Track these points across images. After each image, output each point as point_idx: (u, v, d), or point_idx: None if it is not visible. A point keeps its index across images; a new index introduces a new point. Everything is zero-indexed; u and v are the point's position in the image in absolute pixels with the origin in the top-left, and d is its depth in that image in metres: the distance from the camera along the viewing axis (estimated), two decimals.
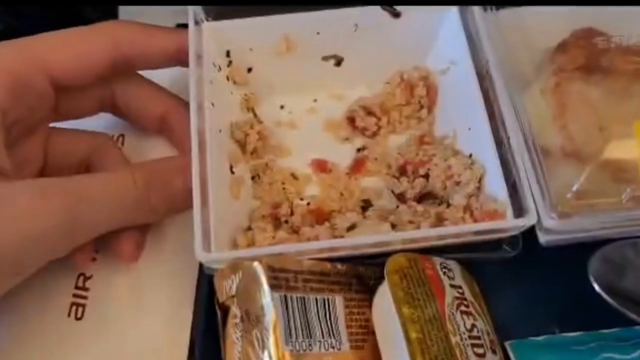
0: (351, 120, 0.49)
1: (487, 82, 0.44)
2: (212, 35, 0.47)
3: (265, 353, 0.36)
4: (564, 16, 0.45)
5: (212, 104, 0.45)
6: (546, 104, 0.42)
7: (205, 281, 0.43)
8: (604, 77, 0.42)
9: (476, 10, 0.45)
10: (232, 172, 0.46)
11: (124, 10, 0.57)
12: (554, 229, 0.39)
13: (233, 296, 0.38)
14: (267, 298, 0.36)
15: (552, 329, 0.43)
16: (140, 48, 0.43)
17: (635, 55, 0.41)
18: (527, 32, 0.44)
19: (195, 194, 0.40)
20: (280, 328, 0.36)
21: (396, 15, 0.48)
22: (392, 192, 0.46)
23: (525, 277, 0.44)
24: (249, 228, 0.44)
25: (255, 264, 0.37)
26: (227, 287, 0.38)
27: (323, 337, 0.38)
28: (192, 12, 0.46)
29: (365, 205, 0.46)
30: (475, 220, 0.41)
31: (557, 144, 0.41)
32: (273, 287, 0.37)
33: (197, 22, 0.46)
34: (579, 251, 0.41)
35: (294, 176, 0.47)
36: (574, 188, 0.38)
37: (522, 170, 0.40)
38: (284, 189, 0.47)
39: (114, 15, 0.57)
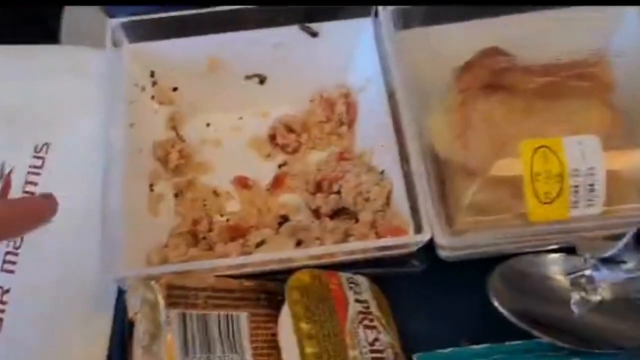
0: (273, 137, 0.50)
1: (395, 100, 0.45)
2: (135, 57, 0.49)
3: None
4: (471, 36, 0.46)
5: (131, 125, 0.46)
6: (450, 123, 0.43)
7: (123, 297, 0.44)
8: (507, 95, 0.43)
9: (385, 29, 0.46)
10: (152, 190, 0.47)
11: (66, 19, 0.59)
12: (447, 245, 0.40)
13: (137, 313, 0.39)
14: (163, 316, 0.38)
15: (459, 341, 0.43)
16: None
17: (536, 75, 0.42)
18: (435, 51, 0.45)
19: (103, 213, 0.41)
20: (175, 344, 0.37)
21: (314, 34, 0.49)
22: (309, 207, 0.47)
23: (433, 292, 0.45)
24: (167, 245, 0.45)
25: (153, 282, 0.38)
26: (132, 305, 0.40)
27: (224, 352, 0.39)
28: (111, 33, 0.47)
29: (283, 220, 0.47)
30: (379, 237, 0.42)
31: (458, 162, 0.42)
32: (171, 305, 0.38)
33: (116, 44, 0.47)
34: (482, 266, 0.42)
35: (215, 193, 0.49)
36: (466, 204, 0.39)
37: (419, 188, 0.41)
38: (205, 205, 0.48)
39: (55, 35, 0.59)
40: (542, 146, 0.38)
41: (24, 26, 0.58)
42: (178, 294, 0.39)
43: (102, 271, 0.39)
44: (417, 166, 0.41)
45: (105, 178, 0.42)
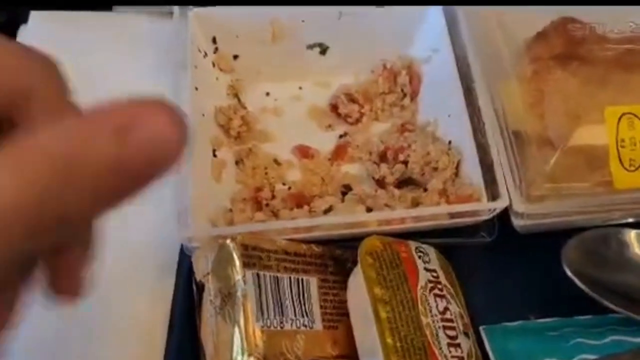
0: (334, 107, 0.50)
1: (466, 71, 0.45)
2: (199, 21, 0.48)
3: (236, 328, 0.36)
4: (544, 5, 0.45)
5: (196, 88, 0.46)
6: (523, 92, 0.43)
7: (186, 261, 0.43)
8: (582, 65, 0.42)
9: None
10: (215, 156, 0.46)
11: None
12: (525, 212, 0.39)
13: (208, 273, 0.39)
14: (239, 275, 0.37)
15: (527, 315, 0.43)
16: None
17: (612, 43, 0.42)
18: (506, 21, 0.45)
19: (174, 174, 0.40)
20: (251, 304, 0.37)
21: (379, 4, 0.48)
22: (373, 177, 0.47)
23: (502, 264, 0.44)
24: (231, 210, 0.45)
25: (229, 241, 0.38)
26: (203, 265, 0.39)
27: (295, 315, 0.39)
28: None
29: (346, 190, 0.47)
30: (450, 204, 0.42)
31: (534, 131, 0.41)
32: (246, 264, 0.38)
33: (183, 9, 0.47)
34: (554, 239, 0.41)
35: (276, 161, 0.48)
36: (545, 172, 0.39)
37: (495, 156, 0.41)
38: (266, 173, 0.47)
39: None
40: (628, 113, 0.37)
41: None
42: (252, 255, 0.38)
43: (177, 231, 0.39)
44: (494, 135, 0.41)
45: None
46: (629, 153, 0.37)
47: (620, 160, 0.37)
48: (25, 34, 0.53)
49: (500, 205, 0.39)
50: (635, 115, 0.38)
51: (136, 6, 0.55)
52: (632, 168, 0.37)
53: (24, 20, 0.53)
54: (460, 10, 0.46)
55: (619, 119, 0.38)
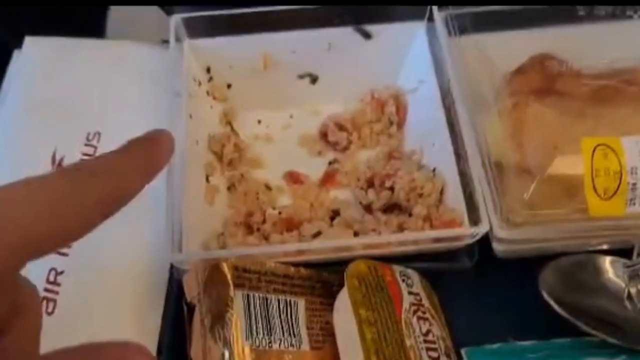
0: (324, 135, 0.52)
1: (450, 102, 0.47)
2: (193, 52, 0.50)
3: (226, 348, 0.37)
4: (523, 42, 0.47)
5: (190, 116, 0.48)
6: (503, 123, 0.44)
7: (175, 282, 0.44)
8: (559, 99, 0.44)
9: (441, 33, 0.48)
10: (208, 181, 0.48)
11: (113, 16, 0.60)
12: (505, 238, 0.41)
13: (199, 293, 0.40)
14: (230, 295, 0.39)
15: (507, 337, 0.44)
16: None
17: (587, 78, 0.44)
18: (488, 56, 0.47)
19: (168, 198, 0.42)
20: (241, 324, 0.38)
21: (367, 36, 0.51)
22: (360, 203, 0.49)
23: (482, 288, 0.46)
24: (223, 234, 0.46)
25: (220, 263, 0.39)
26: (194, 286, 0.40)
27: (283, 335, 0.40)
28: (174, 29, 0.49)
29: (334, 215, 0.48)
30: (434, 229, 0.43)
31: (514, 161, 0.43)
32: (236, 285, 0.39)
33: (178, 39, 0.49)
34: (533, 264, 0.43)
35: (267, 187, 0.50)
36: (524, 199, 0.40)
37: (477, 183, 0.42)
38: (257, 198, 0.49)
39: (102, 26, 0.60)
40: (602, 144, 0.39)
41: (72, 21, 0.59)
42: (243, 276, 0.40)
43: (171, 253, 0.40)
44: (476, 163, 0.43)
45: (170, 166, 0.43)
46: (603, 182, 0.39)
47: (594, 189, 0.39)
48: (19, 59, 0.53)
49: (481, 230, 0.41)
50: (609, 147, 0.39)
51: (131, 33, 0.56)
52: (606, 197, 0.39)
53: (18, 45, 0.53)
54: (445, 44, 0.48)
55: (594, 150, 0.40)
